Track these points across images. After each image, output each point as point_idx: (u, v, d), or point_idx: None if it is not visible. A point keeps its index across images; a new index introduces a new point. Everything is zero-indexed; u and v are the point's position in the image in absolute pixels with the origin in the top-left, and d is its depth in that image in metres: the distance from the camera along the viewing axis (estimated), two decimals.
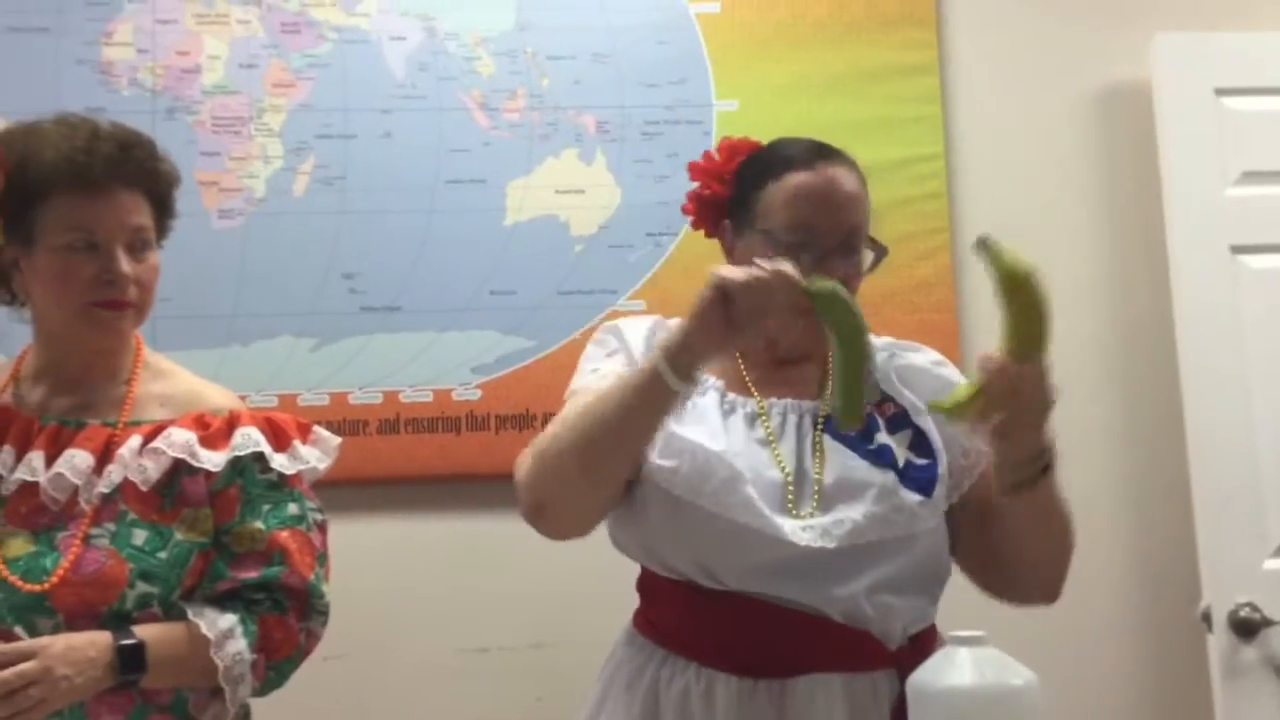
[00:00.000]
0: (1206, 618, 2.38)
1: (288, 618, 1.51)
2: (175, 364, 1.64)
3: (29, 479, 1.45)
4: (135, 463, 1.48)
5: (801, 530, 1.41)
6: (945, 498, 1.50)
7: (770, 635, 1.22)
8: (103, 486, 1.47)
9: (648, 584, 1.54)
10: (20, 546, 1.43)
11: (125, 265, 1.46)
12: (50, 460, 1.46)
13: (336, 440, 1.63)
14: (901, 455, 1.48)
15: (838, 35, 2.63)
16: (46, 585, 1.41)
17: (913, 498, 1.45)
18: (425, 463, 2.47)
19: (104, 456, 1.48)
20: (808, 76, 2.62)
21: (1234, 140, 2.52)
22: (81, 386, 1.53)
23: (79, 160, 1.45)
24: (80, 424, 1.50)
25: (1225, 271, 2.49)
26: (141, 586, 1.44)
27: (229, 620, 1.47)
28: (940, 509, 1.49)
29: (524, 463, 1.46)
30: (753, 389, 1.53)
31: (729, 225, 1.56)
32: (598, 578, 2.17)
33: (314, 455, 1.58)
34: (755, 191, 1.52)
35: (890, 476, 1.46)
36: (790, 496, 1.44)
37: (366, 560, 2.43)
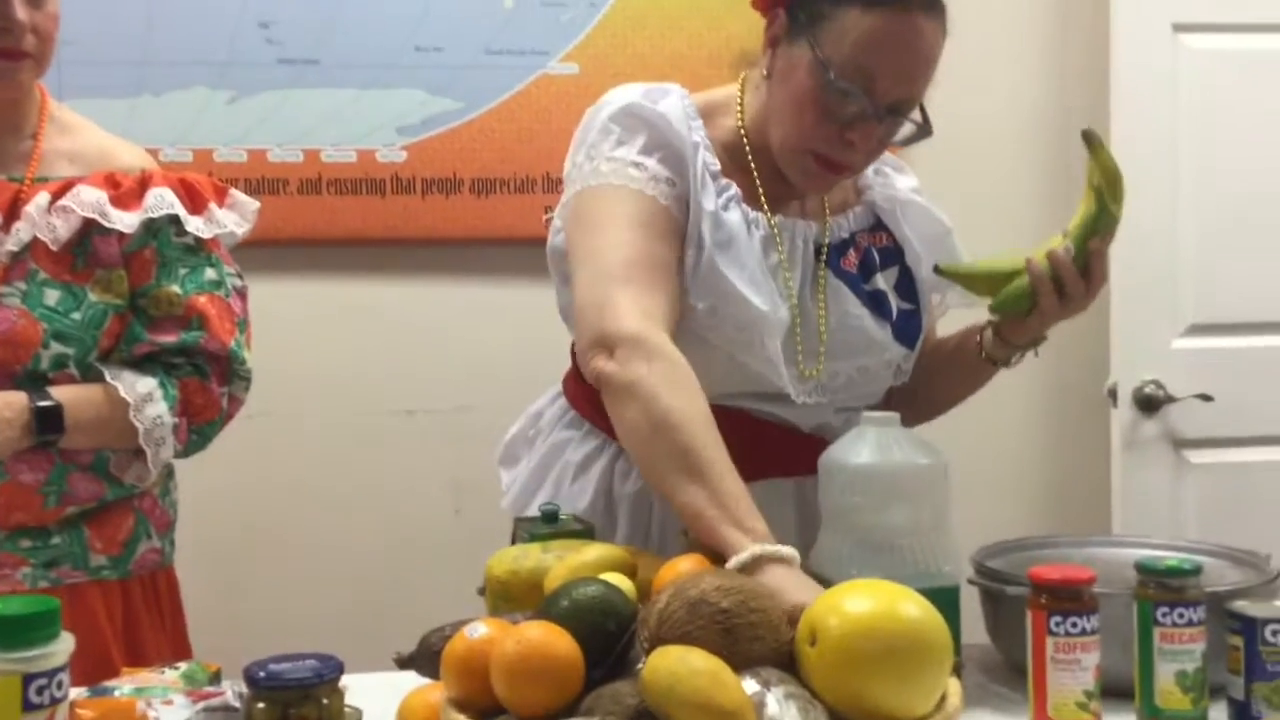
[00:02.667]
0: (1113, 394, 2.46)
1: (209, 382, 1.50)
2: (84, 118, 1.56)
3: None
4: (44, 220, 1.43)
5: (801, 385, 1.40)
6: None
7: (736, 440, 1.21)
8: (11, 244, 1.42)
9: None
10: None
11: (20, 12, 1.38)
12: None
13: (255, 204, 1.58)
14: (895, 300, 1.46)
15: None
16: None
17: (900, 351, 1.46)
18: (348, 225, 2.42)
19: (11, 213, 1.44)
20: None
21: None
22: None
23: None
24: (12, 179, 1.45)
25: (1166, 50, 2.45)
26: (56, 347, 1.42)
27: (148, 384, 1.46)
28: (913, 359, 1.49)
29: (614, 395, 1.25)
30: (765, 204, 1.41)
31: (783, 18, 1.35)
32: (522, 346, 2.19)
33: (231, 219, 1.54)
34: (832, 3, 1.31)
35: (887, 330, 1.44)
36: (799, 345, 1.40)
37: (288, 322, 2.42)
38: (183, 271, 1.50)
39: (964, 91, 2.55)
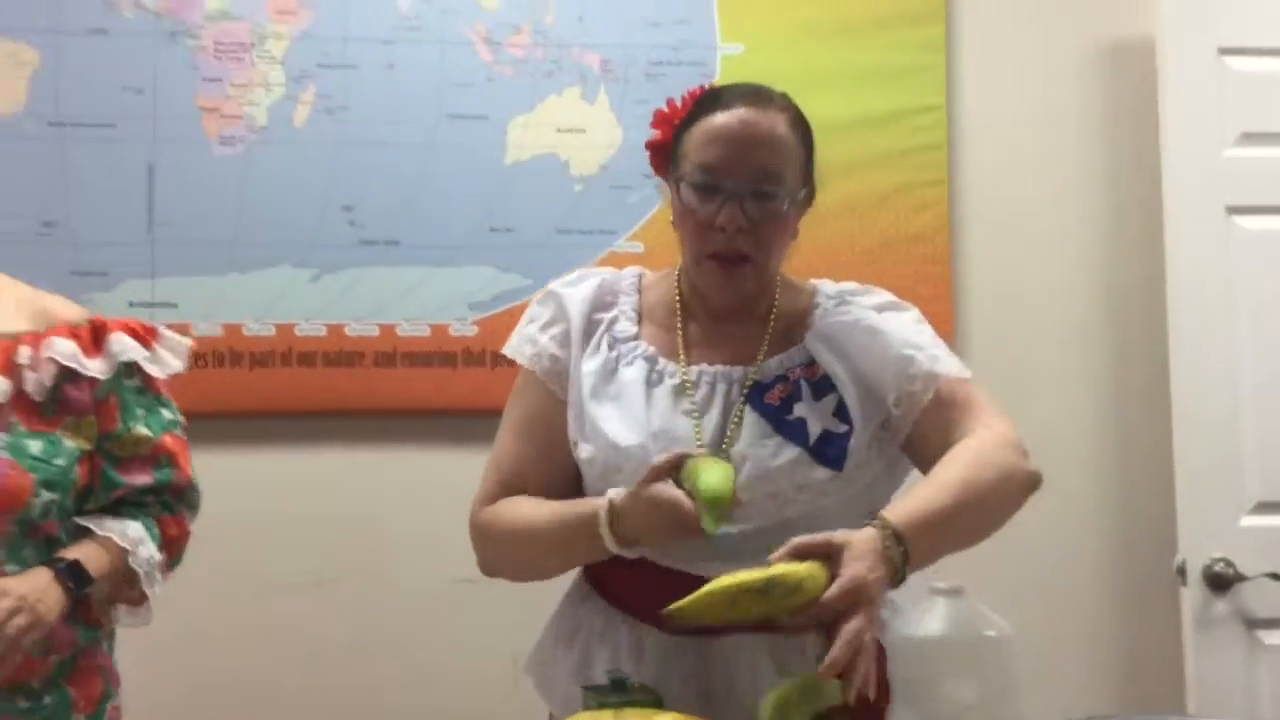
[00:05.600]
0: (1181, 571, 2.43)
1: (179, 515, 1.61)
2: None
3: None
4: (30, 373, 1.50)
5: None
6: (864, 465, 1.47)
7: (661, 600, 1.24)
8: None
9: None
10: None
11: None
12: None
13: (187, 342, 1.66)
14: (819, 425, 1.46)
15: None
16: None
17: (822, 473, 1.44)
18: (422, 396, 2.49)
19: None
20: (814, 21, 2.61)
21: (1234, 100, 2.52)
22: None
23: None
24: None
25: (1220, 232, 2.50)
26: (45, 494, 1.48)
27: (136, 528, 1.55)
28: (856, 479, 1.46)
29: (473, 526, 1.59)
30: (684, 354, 1.53)
31: (668, 179, 1.55)
32: None
33: (173, 360, 1.62)
34: (681, 135, 1.51)
35: (797, 452, 1.44)
36: None
37: (361, 489, 2.48)
38: (141, 413, 1.58)
39: (1015, 265, 2.64)
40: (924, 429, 1.45)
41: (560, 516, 1.48)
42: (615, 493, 1.41)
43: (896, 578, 1.23)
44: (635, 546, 1.41)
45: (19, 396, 1.49)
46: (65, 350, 1.51)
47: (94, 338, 1.55)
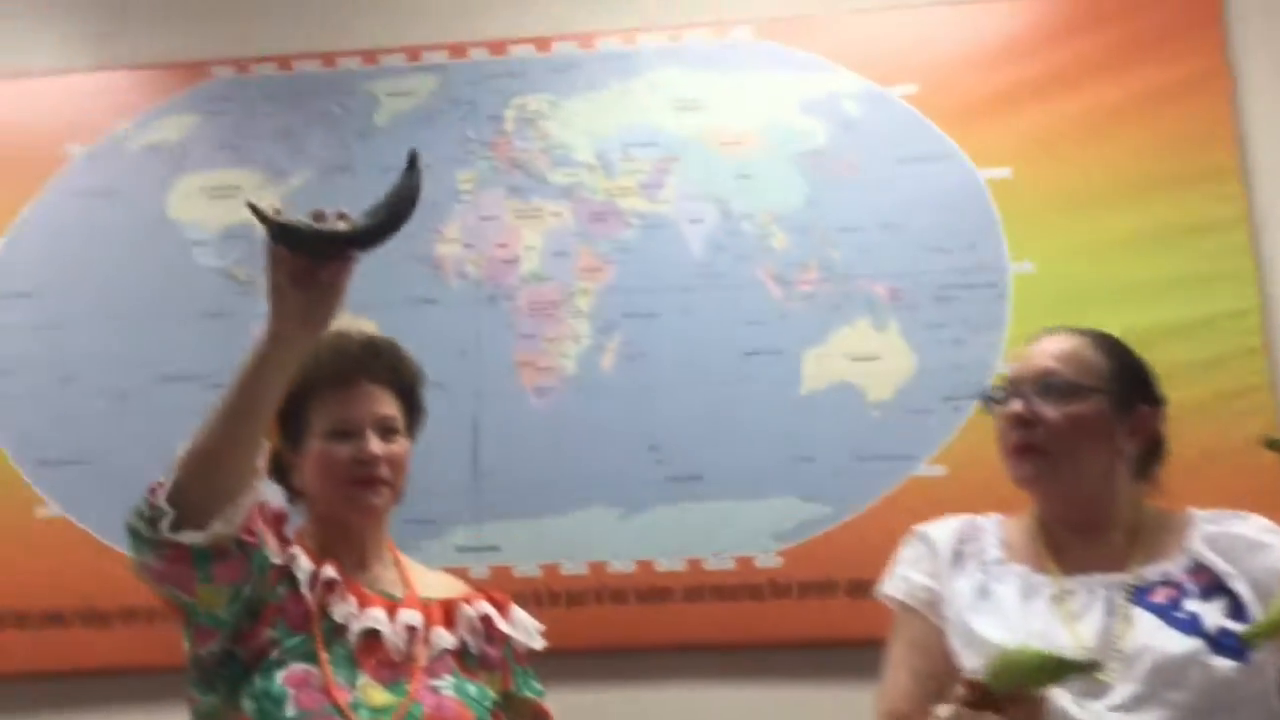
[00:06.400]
0: None
1: None
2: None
3: (373, 627, 1.57)
4: (469, 630, 1.64)
5: (1109, 714, 1.41)
6: (1271, 654, 1.44)
7: None
8: (442, 644, 1.61)
9: None
10: (381, 697, 1.55)
11: (375, 446, 1.61)
12: (390, 616, 1.60)
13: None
14: (1215, 621, 1.45)
15: (1135, 193, 2.59)
16: None
17: (1225, 664, 1.42)
18: (729, 629, 2.51)
19: (426, 621, 1.63)
20: (1105, 236, 2.58)
21: None
22: (365, 568, 1.65)
23: (330, 360, 1.62)
24: (393, 596, 1.63)
25: None
26: None
27: None
28: (1265, 671, 1.44)
29: None
30: (1054, 565, 1.56)
31: None
32: None
33: (536, 638, 1.73)
34: None
35: (1198, 643, 1.43)
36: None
37: None
38: (523, 679, 1.70)
39: None
40: None
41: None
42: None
43: None
44: None
45: (459, 648, 1.64)
46: (489, 612, 1.67)
47: (505, 606, 1.71)
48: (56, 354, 2.74)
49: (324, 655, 1.52)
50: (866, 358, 2.60)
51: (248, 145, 2.84)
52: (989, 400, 1.62)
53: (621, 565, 2.57)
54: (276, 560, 1.54)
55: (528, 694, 1.70)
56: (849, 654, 2.45)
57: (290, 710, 1.49)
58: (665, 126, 2.74)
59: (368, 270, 2.69)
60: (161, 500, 1.39)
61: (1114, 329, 1.64)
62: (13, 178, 2.84)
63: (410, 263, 2.73)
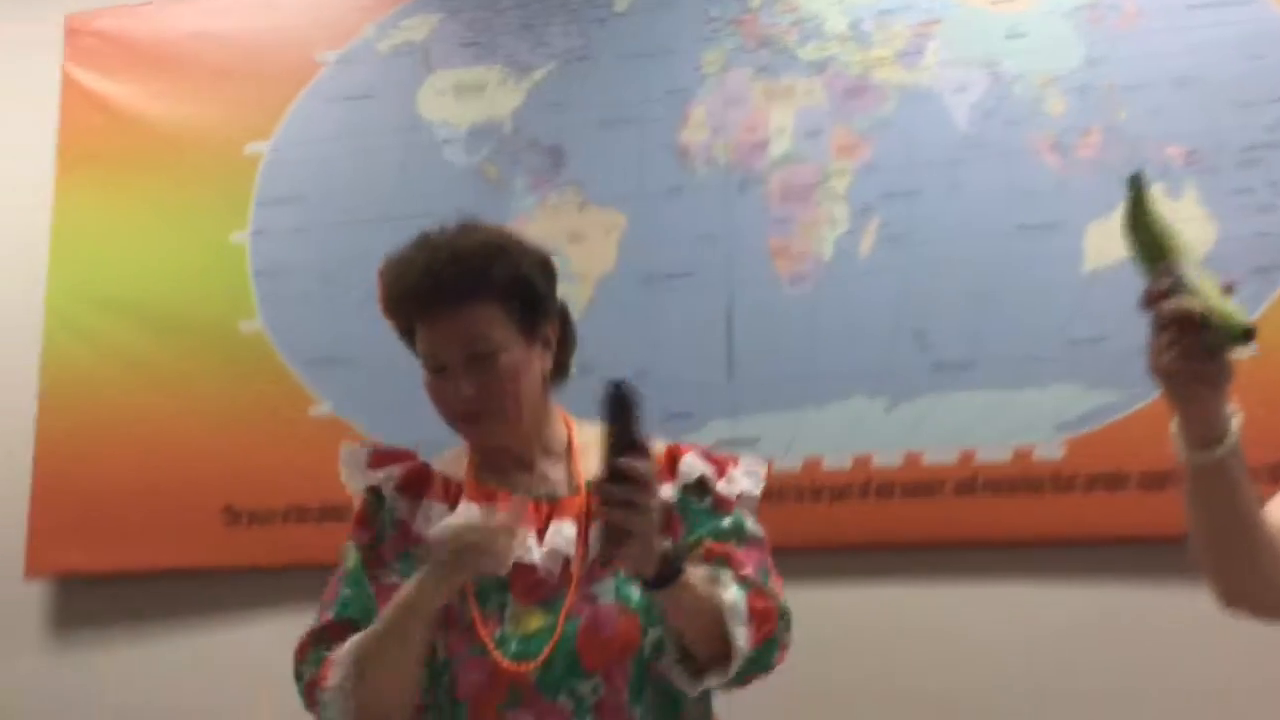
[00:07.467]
0: None
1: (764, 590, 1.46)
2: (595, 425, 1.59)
3: (521, 559, 1.45)
4: None
5: None
6: None
7: None
8: (591, 553, 1.46)
9: None
10: (534, 621, 1.46)
11: (465, 385, 1.46)
12: (540, 536, 1.48)
13: (763, 463, 1.57)
14: None
15: None
16: (576, 649, 1.43)
17: None
18: (1005, 526, 2.35)
19: (583, 523, 1.49)
20: None
21: None
22: (532, 466, 1.54)
23: (414, 292, 1.48)
24: (552, 497, 1.51)
25: None
26: (653, 633, 1.45)
27: (730, 593, 1.41)
28: None
29: None
30: None
31: None
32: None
33: (743, 479, 1.53)
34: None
35: None
36: None
37: (942, 625, 2.36)
38: (698, 522, 1.50)
39: None
40: None
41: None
42: None
43: None
44: None
45: None
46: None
47: (669, 464, 1.55)
48: (320, 257, 2.81)
49: (469, 588, 1.44)
50: None
51: (490, 40, 2.81)
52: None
53: (887, 458, 2.43)
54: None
55: (698, 534, 1.48)
56: (1141, 551, 2.28)
57: (440, 655, 1.44)
58: None
59: (612, 164, 2.71)
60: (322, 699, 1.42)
61: None
62: (271, 88, 2.91)
63: (655, 152, 2.65)
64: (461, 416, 1.49)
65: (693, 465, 1.54)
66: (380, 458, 1.56)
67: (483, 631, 1.43)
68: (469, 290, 1.47)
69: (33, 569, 2.84)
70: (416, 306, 1.49)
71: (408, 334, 1.53)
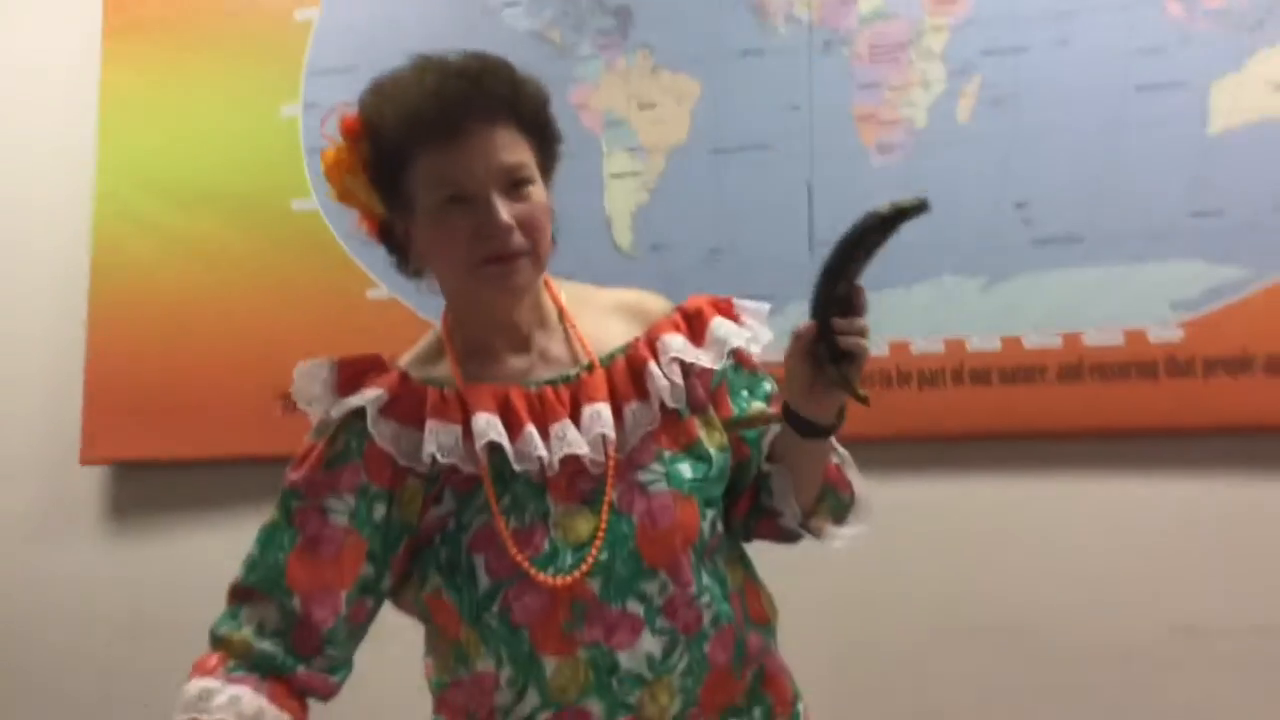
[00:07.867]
0: None
1: None
2: (579, 284, 1.46)
3: (570, 452, 1.31)
4: (663, 384, 1.34)
5: None
6: None
7: None
8: (642, 424, 1.33)
9: None
10: (583, 525, 1.31)
11: (503, 213, 1.28)
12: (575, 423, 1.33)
13: (766, 307, 1.41)
14: None
15: None
16: (637, 546, 1.31)
17: None
18: (1115, 413, 2.17)
19: (614, 401, 1.34)
20: None
21: None
22: (529, 344, 1.38)
23: (426, 109, 1.27)
24: (568, 378, 1.36)
25: None
26: (709, 514, 1.34)
27: None
28: None
29: None
30: None
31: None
32: None
33: (763, 331, 1.39)
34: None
35: None
36: None
37: (1045, 520, 2.21)
38: (745, 394, 1.41)
39: None
40: None
41: None
42: None
43: None
44: None
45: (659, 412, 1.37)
46: (680, 346, 1.37)
47: (691, 326, 1.40)
48: None
49: (496, 507, 1.28)
50: None
51: None
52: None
53: (983, 341, 2.25)
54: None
55: (755, 405, 1.39)
56: (1267, 441, 2.11)
57: (483, 582, 1.28)
58: None
59: (687, 23, 2.50)
60: None
61: None
62: None
63: (732, 10, 2.47)
64: (492, 255, 1.29)
65: (727, 331, 1.38)
66: (349, 374, 1.35)
67: (524, 550, 1.28)
68: (500, 110, 1.29)
69: (88, 455, 2.77)
70: (436, 128, 1.28)
71: (389, 178, 1.32)
